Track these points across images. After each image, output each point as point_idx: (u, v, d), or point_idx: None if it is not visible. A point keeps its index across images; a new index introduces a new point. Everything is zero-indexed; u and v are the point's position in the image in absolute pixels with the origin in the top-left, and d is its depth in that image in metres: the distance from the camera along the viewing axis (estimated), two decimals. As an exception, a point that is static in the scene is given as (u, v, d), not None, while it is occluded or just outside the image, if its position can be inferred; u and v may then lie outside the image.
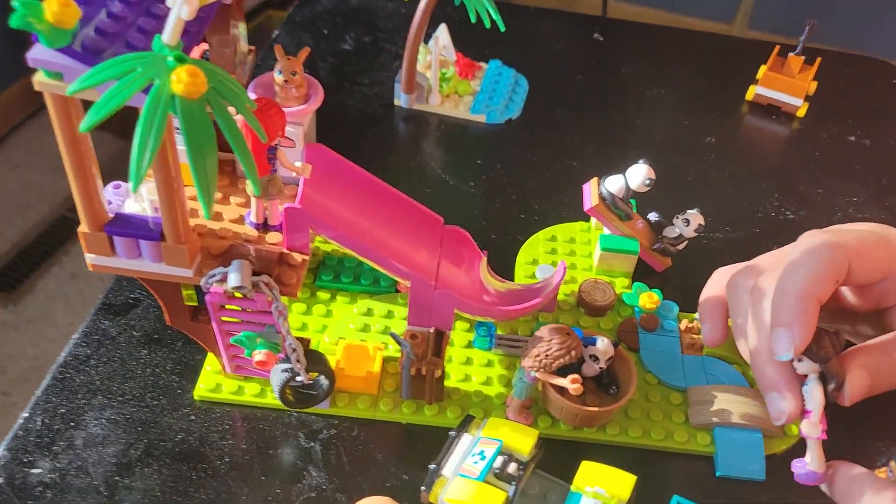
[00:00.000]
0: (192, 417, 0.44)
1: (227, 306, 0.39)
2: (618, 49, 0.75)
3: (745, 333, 0.42)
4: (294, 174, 0.39)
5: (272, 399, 0.44)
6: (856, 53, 0.77)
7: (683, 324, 0.49)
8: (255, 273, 0.37)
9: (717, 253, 0.56)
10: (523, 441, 0.39)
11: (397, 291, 0.50)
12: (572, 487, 0.38)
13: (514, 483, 0.37)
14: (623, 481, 0.38)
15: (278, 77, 0.39)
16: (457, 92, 0.66)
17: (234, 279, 0.36)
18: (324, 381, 0.43)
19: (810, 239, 0.41)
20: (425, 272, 0.42)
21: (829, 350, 0.39)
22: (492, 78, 0.67)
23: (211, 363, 0.46)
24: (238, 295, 0.38)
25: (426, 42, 0.65)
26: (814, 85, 0.68)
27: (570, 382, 0.41)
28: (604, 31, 0.77)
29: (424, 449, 0.43)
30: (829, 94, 0.69)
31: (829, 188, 0.62)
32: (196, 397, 0.45)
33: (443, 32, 0.64)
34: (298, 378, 0.41)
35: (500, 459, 0.38)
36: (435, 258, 0.43)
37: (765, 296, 0.41)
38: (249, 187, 0.39)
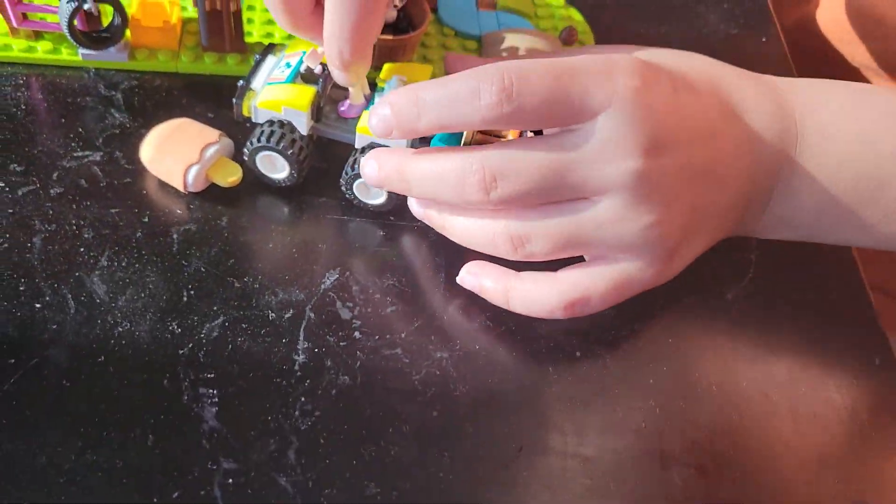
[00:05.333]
0: (-18, 75, 0.43)
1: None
2: None
3: None
4: None
5: (67, 55, 0.44)
6: None
7: (478, -16, 0.52)
8: None
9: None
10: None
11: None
12: (378, 84, 0.40)
13: (320, 80, 0.39)
14: (422, 70, 0.40)
15: None
16: None
17: None
18: (117, 20, 0.42)
19: None
20: None
21: None
22: None
23: (-3, 25, 0.44)
24: None
25: None
26: None
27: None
28: None
29: (229, 94, 0.44)
30: None
31: None
32: (-16, 57, 0.44)
33: None
34: (87, 6, 0.40)
35: (304, 66, 0.40)
36: None
37: None
38: None
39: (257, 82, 0.40)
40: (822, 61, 0.60)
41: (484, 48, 0.48)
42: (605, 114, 0.32)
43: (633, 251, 0.34)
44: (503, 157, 0.33)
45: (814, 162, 0.36)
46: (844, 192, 0.36)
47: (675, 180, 0.33)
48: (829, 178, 0.36)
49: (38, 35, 0.44)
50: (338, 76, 0.37)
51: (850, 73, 0.59)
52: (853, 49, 0.59)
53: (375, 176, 0.36)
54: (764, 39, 0.55)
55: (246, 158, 0.39)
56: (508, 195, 0.33)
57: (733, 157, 0.35)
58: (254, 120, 0.39)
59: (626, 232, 0.33)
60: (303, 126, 0.39)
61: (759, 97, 0.36)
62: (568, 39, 0.50)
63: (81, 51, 0.43)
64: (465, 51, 0.49)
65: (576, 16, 0.52)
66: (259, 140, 0.38)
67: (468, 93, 0.31)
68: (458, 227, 0.36)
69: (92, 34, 0.42)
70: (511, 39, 0.48)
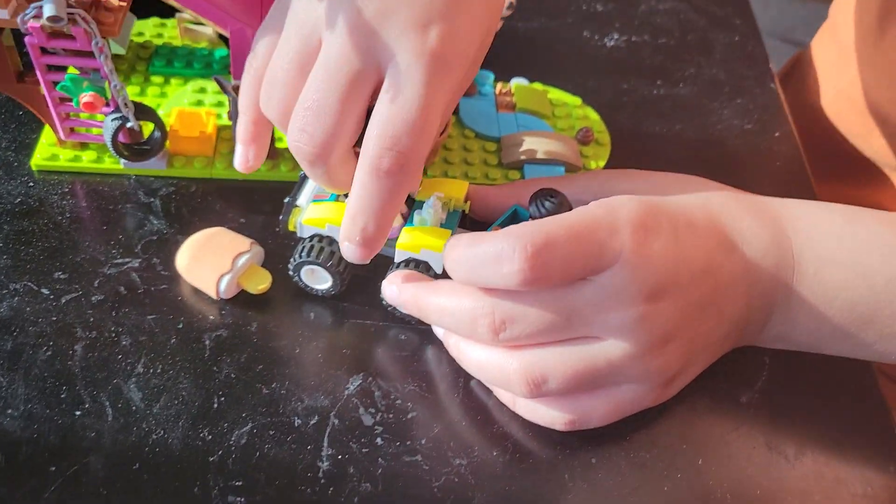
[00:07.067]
0: (31, 184, 0.46)
1: (47, 49, 0.41)
2: None
3: None
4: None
5: (110, 164, 0.47)
6: None
7: (498, 87, 0.54)
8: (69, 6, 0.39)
9: (527, 40, 0.61)
10: None
11: (230, 73, 0.53)
12: (417, 198, 0.42)
13: None
14: (458, 187, 0.42)
15: None
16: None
17: (48, 9, 0.38)
18: (156, 134, 0.45)
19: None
20: (247, 16, 0.44)
21: None
22: None
23: (47, 136, 0.47)
24: (56, 30, 0.40)
25: None
26: None
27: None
28: None
29: (260, 200, 0.47)
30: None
31: (637, -10, 0.68)
32: (33, 167, 0.47)
33: None
34: (129, 125, 0.43)
35: None
36: (257, 2, 0.46)
37: None
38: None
39: (303, 199, 0.42)
40: (834, 155, 0.62)
41: (503, 150, 0.51)
42: (611, 269, 0.34)
43: (636, 381, 0.36)
44: (514, 303, 0.35)
45: (810, 289, 0.37)
46: (840, 316, 0.37)
47: (674, 318, 0.35)
48: (825, 304, 0.37)
49: (83, 146, 0.47)
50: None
51: (863, 164, 0.61)
52: (863, 143, 0.60)
53: (395, 299, 0.38)
54: (777, 134, 0.57)
55: (291, 271, 0.41)
56: (517, 336, 0.35)
57: (731, 288, 0.37)
58: (298, 235, 0.41)
59: (631, 367, 0.35)
60: None
61: (756, 227, 0.38)
62: (584, 140, 0.52)
63: (123, 160, 0.46)
64: (485, 153, 0.51)
65: (592, 115, 0.55)
66: (302, 255, 0.40)
67: (493, 258, 0.34)
68: (474, 362, 0.38)
69: (133, 146, 0.45)
70: (529, 142, 0.50)
